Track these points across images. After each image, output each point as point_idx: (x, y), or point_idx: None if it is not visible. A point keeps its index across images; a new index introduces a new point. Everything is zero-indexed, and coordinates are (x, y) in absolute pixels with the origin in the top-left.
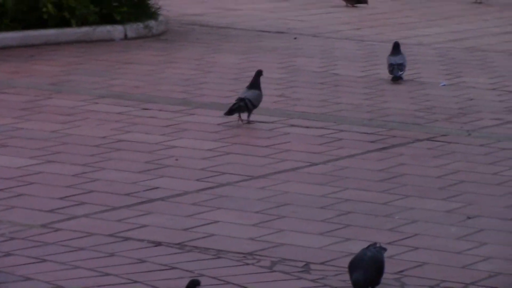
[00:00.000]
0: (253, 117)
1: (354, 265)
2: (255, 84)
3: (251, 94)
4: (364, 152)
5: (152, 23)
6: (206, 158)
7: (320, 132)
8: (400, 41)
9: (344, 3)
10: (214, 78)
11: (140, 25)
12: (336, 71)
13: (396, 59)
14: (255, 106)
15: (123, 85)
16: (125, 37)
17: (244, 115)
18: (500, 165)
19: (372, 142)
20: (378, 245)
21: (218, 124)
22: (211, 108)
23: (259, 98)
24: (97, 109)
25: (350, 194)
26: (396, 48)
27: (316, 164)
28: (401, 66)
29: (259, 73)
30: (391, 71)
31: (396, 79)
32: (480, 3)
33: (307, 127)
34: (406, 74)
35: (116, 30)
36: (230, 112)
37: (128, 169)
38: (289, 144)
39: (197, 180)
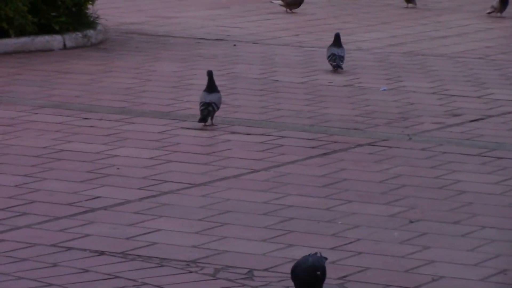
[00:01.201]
0: (191, 124)
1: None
2: (213, 86)
3: (214, 97)
4: (306, 158)
5: (90, 32)
6: (148, 166)
7: (261, 138)
8: None
9: (283, 8)
10: (153, 86)
11: (79, 34)
12: (276, 78)
13: (339, 51)
14: (218, 108)
15: (63, 95)
16: (64, 47)
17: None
18: (441, 168)
19: (313, 147)
20: (318, 254)
21: (159, 133)
22: (151, 116)
23: (220, 100)
24: (37, 119)
25: (292, 200)
26: (337, 40)
27: (258, 171)
28: (342, 58)
29: (211, 74)
30: (333, 60)
31: (338, 67)
32: (412, 8)
33: (248, 134)
34: (346, 80)
35: (55, 40)
36: (204, 119)
37: (69, 179)
38: (230, 151)
39: (139, 188)
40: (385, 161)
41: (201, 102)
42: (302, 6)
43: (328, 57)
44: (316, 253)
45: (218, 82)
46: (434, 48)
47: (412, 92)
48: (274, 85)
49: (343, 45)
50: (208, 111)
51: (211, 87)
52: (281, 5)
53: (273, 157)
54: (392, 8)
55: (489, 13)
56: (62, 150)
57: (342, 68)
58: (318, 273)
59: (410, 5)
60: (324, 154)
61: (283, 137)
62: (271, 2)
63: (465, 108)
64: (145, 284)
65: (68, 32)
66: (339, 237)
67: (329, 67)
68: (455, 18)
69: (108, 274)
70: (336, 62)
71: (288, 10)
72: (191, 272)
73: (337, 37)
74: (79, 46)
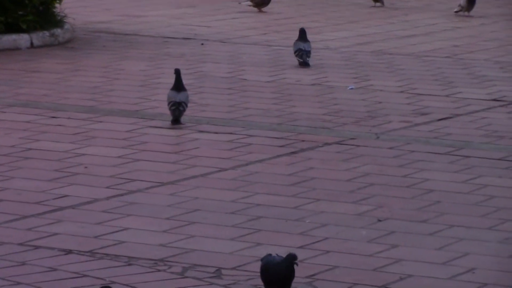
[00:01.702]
0: (158, 123)
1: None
2: (181, 84)
3: (184, 96)
4: (274, 157)
5: (58, 31)
6: (116, 165)
7: (229, 137)
8: None
9: (252, 8)
10: (121, 85)
11: (46, 33)
12: (244, 77)
13: (305, 46)
14: (187, 107)
15: (30, 94)
16: (31, 46)
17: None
18: (409, 167)
19: (281, 146)
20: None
21: (127, 131)
22: (119, 115)
23: (188, 99)
24: (5, 118)
25: (260, 199)
26: (303, 34)
27: (226, 170)
28: (309, 53)
29: (179, 72)
30: (300, 56)
31: (304, 64)
32: (380, 7)
33: (216, 132)
34: (314, 79)
35: (22, 39)
36: (177, 119)
37: (37, 178)
38: (198, 150)
39: (107, 187)
40: (353, 159)
41: (170, 102)
42: (269, 5)
43: (295, 52)
44: (270, 254)
45: (186, 81)
46: (402, 47)
47: (380, 91)
48: (242, 84)
49: (309, 40)
50: (179, 111)
51: (179, 86)
52: (249, 5)
53: (241, 155)
54: (360, 7)
55: (456, 11)
56: (30, 149)
57: (309, 65)
58: (296, 262)
59: (378, 4)
60: (292, 153)
61: (251, 136)
62: (239, 3)
63: (432, 107)
64: (113, 282)
65: (36, 31)
66: (307, 235)
67: (297, 64)
68: (423, 17)
69: (76, 273)
70: (303, 58)
71: (257, 9)
72: (159, 270)
73: (302, 32)
74: (46, 45)
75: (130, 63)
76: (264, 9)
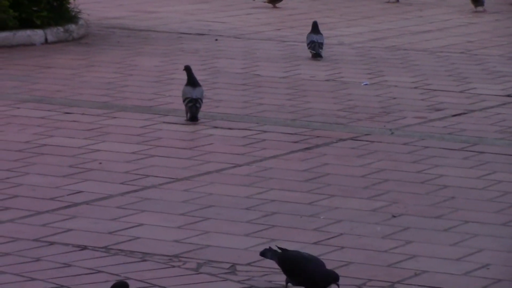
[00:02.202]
0: (173, 119)
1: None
2: (195, 80)
3: (200, 92)
4: (288, 153)
5: (72, 27)
6: (130, 161)
7: (243, 133)
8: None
9: (267, 4)
10: (135, 81)
11: (60, 29)
12: (258, 72)
13: (317, 38)
14: (202, 103)
15: (45, 90)
16: (46, 42)
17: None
18: (423, 163)
19: (295, 142)
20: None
21: (141, 127)
22: (133, 111)
23: (203, 94)
24: (19, 114)
25: (275, 195)
26: (315, 27)
27: (240, 166)
28: (321, 45)
29: (190, 68)
30: (313, 48)
31: (317, 55)
32: (397, 1)
33: (230, 128)
34: (328, 74)
35: (36, 35)
36: (195, 116)
37: (52, 174)
38: (212, 145)
39: (121, 183)
40: (367, 155)
41: (186, 98)
42: (284, 0)
43: (308, 44)
44: (270, 248)
45: (200, 76)
46: (416, 42)
47: (394, 87)
48: (256, 80)
49: (321, 33)
50: (196, 107)
51: (194, 82)
52: (264, 1)
53: (255, 151)
54: (374, 3)
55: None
56: (44, 145)
57: (321, 57)
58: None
59: (392, 0)
60: (306, 148)
61: (265, 131)
62: (254, 0)
63: (447, 103)
64: (128, 278)
65: (50, 26)
66: (322, 231)
67: (311, 60)
68: (437, 12)
69: (91, 269)
70: (316, 50)
71: (272, 5)
72: (173, 266)
73: (315, 25)
74: (60, 40)
75: (144, 59)
76: (278, 4)
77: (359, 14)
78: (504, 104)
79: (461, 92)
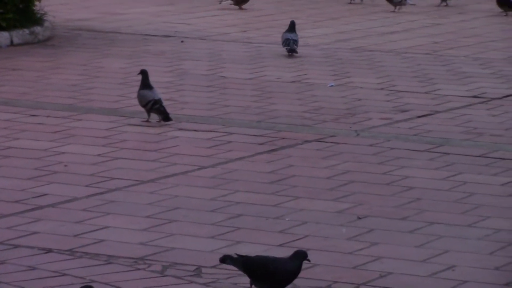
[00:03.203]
0: (138, 121)
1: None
2: (149, 83)
3: (158, 93)
4: (253, 154)
5: (38, 29)
6: (95, 163)
7: (208, 135)
8: None
9: (233, 5)
10: (101, 83)
11: (26, 31)
12: (223, 74)
13: (292, 36)
14: None
15: (10, 92)
16: (11, 44)
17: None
18: (389, 164)
19: (261, 144)
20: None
21: (107, 129)
22: (99, 113)
23: None
24: None
25: (240, 197)
26: (292, 26)
27: (206, 167)
28: (296, 42)
29: (146, 72)
30: (287, 44)
31: (292, 51)
32: (359, 3)
33: (196, 130)
34: (294, 76)
35: (2, 37)
36: (169, 117)
37: (17, 176)
38: (178, 147)
39: (87, 186)
40: (333, 157)
41: (149, 101)
42: (249, 2)
43: (283, 42)
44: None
45: (165, 78)
46: (382, 43)
47: (360, 88)
48: (221, 81)
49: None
50: (164, 107)
51: (149, 85)
52: (230, 3)
53: (221, 153)
54: (340, 4)
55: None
56: (10, 147)
57: (297, 52)
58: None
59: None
60: (272, 150)
61: (230, 133)
62: (220, 2)
63: (412, 104)
64: (93, 281)
65: (16, 29)
66: (287, 233)
67: (277, 62)
68: (403, 13)
69: (56, 272)
70: (290, 45)
71: (238, 7)
72: (139, 269)
73: (292, 24)
74: (26, 42)
75: (110, 61)
76: (244, 6)
77: (325, 15)
78: (469, 105)
79: (426, 93)
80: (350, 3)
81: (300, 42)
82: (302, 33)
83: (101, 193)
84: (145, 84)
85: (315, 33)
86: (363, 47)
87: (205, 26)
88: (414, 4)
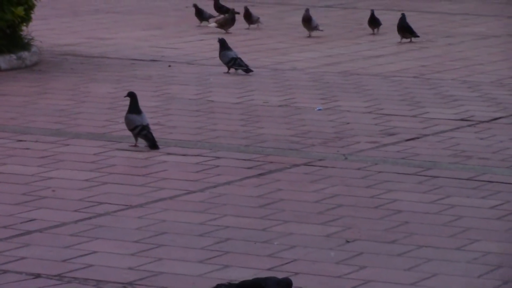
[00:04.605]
0: (126, 146)
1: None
2: (138, 107)
3: (146, 118)
4: (242, 179)
5: (25, 54)
6: (83, 188)
7: (196, 159)
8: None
9: (220, 30)
10: (88, 108)
11: (13, 56)
12: (211, 98)
13: (235, 53)
14: None
15: None
16: None
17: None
18: (377, 188)
19: (249, 168)
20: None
21: (94, 154)
22: (86, 138)
23: None
24: None
25: (229, 221)
26: (226, 44)
27: (194, 192)
28: (242, 60)
29: (135, 95)
30: (235, 63)
31: (249, 70)
32: (309, 36)
33: (184, 154)
34: (281, 100)
35: None
36: (156, 144)
37: (4, 202)
38: (166, 172)
39: (75, 210)
40: (321, 181)
41: (137, 126)
42: (235, 26)
43: (229, 62)
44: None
45: (153, 103)
46: (369, 67)
47: (347, 112)
48: (209, 106)
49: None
50: (151, 134)
51: (138, 109)
52: (216, 27)
53: (209, 178)
54: (326, 28)
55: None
56: None
57: (252, 70)
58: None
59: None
60: (260, 174)
61: (218, 157)
62: (208, 26)
63: (400, 127)
64: None
65: (2, 54)
66: (276, 257)
67: (264, 86)
68: (389, 37)
69: None
70: (244, 65)
71: (224, 30)
72: None
73: (223, 42)
74: (13, 68)
75: (97, 86)
76: (229, 30)
77: (311, 39)
78: (457, 128)
79: (414, 116)
80: (309, 36)
81: (288, 66)
82: (288, 57)
83: (89, 218)
84: (133, 107)
85: (302, 57)
86: (350, 71)
87: (192, 51)
88: (322, 30)
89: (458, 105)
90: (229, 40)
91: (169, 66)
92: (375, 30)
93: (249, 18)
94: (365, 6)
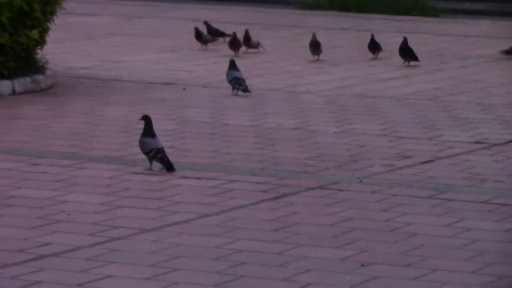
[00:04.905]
0: (141, 169)
1: None
2: (153, 130)
3: (160, 141)
4: (256, 202)
5: (40, 77)
6: (98, 212)
7: (211, 183)
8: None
9: (232, 52)
10: (103, 131)
11: (28, 79)
12: (225, 121)
13: (240, 74)
14: None
15: (13, 141)
16: (13, 92)
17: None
18: (392, 211)
19: (264, 191)
20: None
21: (109, 178)
22: (101, 161)
23: None
24: None
25: (244, 245)
26: (234, 65)
27: (209, 215)
28: (244, 81)
29: (149, 118)
30: (239, 84)
31: (246, 90)
32: (317, 60)
33: (198, 178)
34: (296, 123)
35: (4, 86)
36: (172, 166)
37: (19, 225)
38: (180, 195)
39: (90, 234)
40: (336, 204)
41: (152, 150)
42: (251, 49)
43: (231, 80)
44: None
45: (167, 126)
46: (383, 90)
47: (362, 135)
48: (223, 129)
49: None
50: (167, 157)
51: (152, 132)
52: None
53: (224, 201)
54: (340, 50)
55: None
56: (12, 196)
57: (250, 92)
58: None
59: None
60: (275, 197)
61: (233, 181)
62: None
63: (415, 150)
64: None
65: (17, 77)
66: (291, 281)
67: (279, 110)
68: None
69: None
70: (243, 85)
71: (234, 53)
72: None
73: (233, 63)
74: (28, 91)
75: (112, 109)
76: (249, 51)
77: (326, 62)
78: (472, 151)
79: (429, 139)
80: (316, 60)
81: (302, 88)
82: (303, 80)
83: (104, 242)
84: (148, 131)
85: (316, 80)
86: (364, 93)
87: (206, 73)
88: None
89: (473, 127)
90: (244, 63)
91: (184, 89)
92: (376, 54)
93: (248, 41)
94: (379, 29)
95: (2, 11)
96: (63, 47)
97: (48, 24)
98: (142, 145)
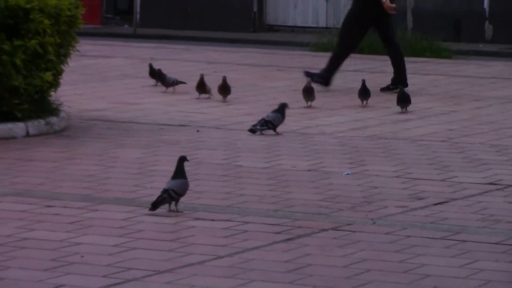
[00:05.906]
0: (156, 211)
1: None
2: (179, 171)
3: (174, 183)
4: (270, 244)
5: (53, 119)
6: (112, 254)
7: (225, 224)
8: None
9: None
10: (117, 173)
11: (42, 122)
12: (239, 163)
13: (269, 116)
14: (180, 194)
15: (26, 183)
16: (27, 134)
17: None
18: (406, 252)
19: (277, 233)
20: None
21: (123, 220)
22: (115, 203)
23: (184, 186)
24: (0, 208)
25: (257, 286)
26: (280, 108)
27: (222, 257)
28: (265, 122)
29: (182, 160)
30: (259, 123)
31: (251, 131)
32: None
33: (212, 219)
34: (309, 164)
35: (18, 128)
36: (154, 206)
37: (33, 267)
38: (194, 237)
39: (103, 276)
40: (350, 245)
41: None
42: (263, 91)
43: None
44: None
45: None
46: (397, 131)
47: (376, 176)
48: (237, 171)
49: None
50: (162, 198)
51: (176, 173)
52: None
53: (237, 242)
54: (354, 92)
55: None
56: (26, 238)
57: (254, 132)
58: None
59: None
60: (288, 239)
61: (247, 222)
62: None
63: (428, 192)
64: None
65: (31, 119)
66: None
67: (292, 151)
68: (418, 101)
69: None
70: (254, 126)
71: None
72: None
73: (282, 106)
74: (42, 133)
75: (125, 151)
76: (199, 98)
77: (339, 103)
78: (486, 192)
79: (442, 180)
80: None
81: (316, 130)
82: (317, 121)
83: (118, 284)
84: (174, 171)
85: (330, 121)
86: (378, 135)
87: (220, 115)
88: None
89: (487, 168)
90: (257, 105)
91: (198, 131)
92: (364, 102)
93: (203, 87)
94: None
95: (16, 53)
96: (77, 89)
97: (62, 66)
98: (185, 187)
